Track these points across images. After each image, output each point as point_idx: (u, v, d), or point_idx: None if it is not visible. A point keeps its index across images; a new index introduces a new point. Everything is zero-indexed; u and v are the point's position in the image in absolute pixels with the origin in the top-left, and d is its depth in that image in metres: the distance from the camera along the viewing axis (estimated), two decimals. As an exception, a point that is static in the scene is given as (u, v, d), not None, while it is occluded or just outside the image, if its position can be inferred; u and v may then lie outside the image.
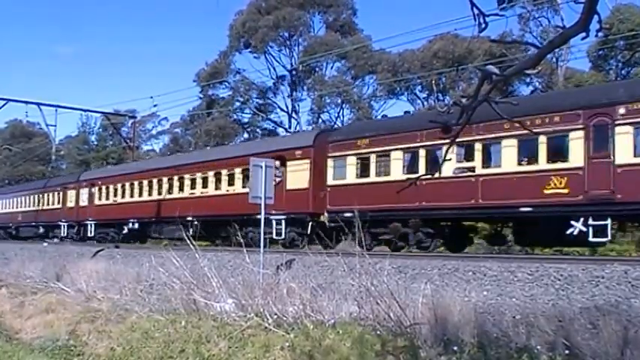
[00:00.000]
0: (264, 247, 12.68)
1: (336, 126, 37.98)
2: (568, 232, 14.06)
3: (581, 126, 14.16)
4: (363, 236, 18.41)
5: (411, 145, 17.28)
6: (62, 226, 35.04)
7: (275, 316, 9.05)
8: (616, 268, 10.19)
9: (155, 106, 33.78)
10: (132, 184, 29.67)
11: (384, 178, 17.82)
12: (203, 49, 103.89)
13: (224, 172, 23.63)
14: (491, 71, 3.32)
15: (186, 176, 25.82)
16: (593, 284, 9.96)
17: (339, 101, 42.36)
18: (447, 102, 30.64)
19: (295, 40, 44.28)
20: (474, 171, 15.94)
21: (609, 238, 14.11)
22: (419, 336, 7.54)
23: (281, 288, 10.03)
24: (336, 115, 43.32)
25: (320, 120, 44.16)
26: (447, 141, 15.40)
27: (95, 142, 63.23)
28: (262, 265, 11.81)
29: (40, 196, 38.25)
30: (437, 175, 14.86)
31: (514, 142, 15.17)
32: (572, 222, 13.98)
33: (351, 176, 18.87)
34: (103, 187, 32.08)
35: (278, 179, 20.83)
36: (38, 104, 33.20)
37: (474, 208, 15.95)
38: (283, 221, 20.45)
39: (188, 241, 11.38)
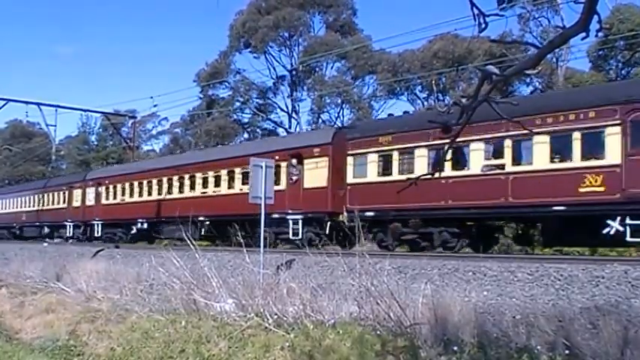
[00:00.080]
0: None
1: (335, 126, 37.93)
2: (604, 231, 13.56)
3: (618, 121, 13.63)
4: (385, 236, 18.29)
5: (436, 142, 16.43)
6: (68, 226, 34.60)
7: (275, 316, 9.05)
8: (616, 268, 10.19)
9: (155, 106, 33.96)
10: (140, 183, 28.92)
11: (407, 176, 16.98)
12: (203, 49, 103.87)
13: (237, 170, 22.93)
14: (491, 71, 3.33)
15: (198, 175, 25.06)
16: (593, 284, 9.96)
17: (339, 101, 42.33)
18: (447, 102, 30.59)
19: (295, 40, 44.26)
20: (503, 168, 15.43)
21: None
22: (419, 336, 7.54)
23: (281, 288, 10.03)
24: (336, 115, 43.38)
25: (320, 120, 44.19)
26: (475, 137, 15.25)
27: (95, 142, 63.19)
28: (262, 265, 11.80)
29: (45, 195, 37.78)
30: (464, 172, 14.25)
31: (546, 138, 14.61)
32: (609, 221, 13.48)
33: (372, 174, 18.32)
34: (111, 187, 31.31)
35: (295, 177, 20.58)
36: (38, 104, 33.26)
37: (503, 207, 15.42)
38: (300, 221, 19.88)
39: (188, 242, 11.37)
